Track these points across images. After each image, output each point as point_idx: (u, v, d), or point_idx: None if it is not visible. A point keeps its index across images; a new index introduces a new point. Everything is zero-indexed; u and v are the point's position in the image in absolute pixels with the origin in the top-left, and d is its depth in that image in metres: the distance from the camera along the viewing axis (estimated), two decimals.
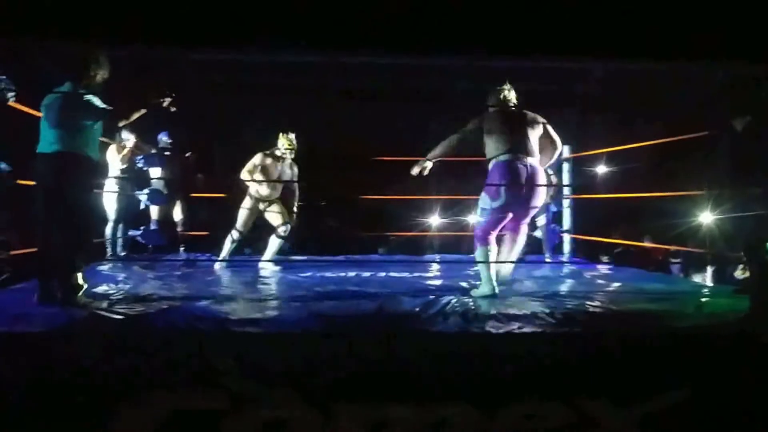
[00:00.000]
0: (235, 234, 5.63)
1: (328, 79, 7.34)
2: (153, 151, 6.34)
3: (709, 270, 5.83)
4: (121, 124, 3.85)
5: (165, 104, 3.61)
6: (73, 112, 3.44)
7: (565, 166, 6.36)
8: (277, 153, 5.63)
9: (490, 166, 3.98)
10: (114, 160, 6.06)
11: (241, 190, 5.72)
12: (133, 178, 6.21)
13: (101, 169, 5.41)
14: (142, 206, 6.16)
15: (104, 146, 5.56)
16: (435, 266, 5.90)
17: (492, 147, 3.96)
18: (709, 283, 5.45)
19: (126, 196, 6.08)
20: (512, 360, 2.72)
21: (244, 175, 5.58)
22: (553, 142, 4.15)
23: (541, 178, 3.99)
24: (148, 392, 2.57)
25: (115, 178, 6.06)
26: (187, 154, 6.86)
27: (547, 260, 6.31)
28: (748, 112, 3.33)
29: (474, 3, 6.85)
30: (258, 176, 5.55)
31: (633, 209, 7.20)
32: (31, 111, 3.86)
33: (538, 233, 6.46)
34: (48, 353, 2.65)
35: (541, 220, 6.35)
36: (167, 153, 6.59)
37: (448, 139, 4.12)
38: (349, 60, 6.79)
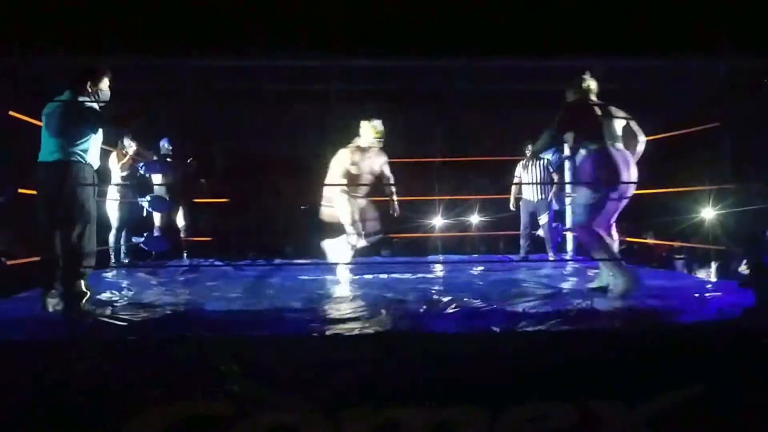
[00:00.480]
0: (353, 238, 5.05)
1: (327, 81, 7.34)
2: (154, 157, 6.36)
3: (713, 265, 5.80)
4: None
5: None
6: (73, 121, 3.46)
7: (567, 164, 6.35)
8: (362, 145, 5.11)
9: (582, 156, 3.81)
10: (115, 168, 6.08)
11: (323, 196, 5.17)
12: (135, 185, 6.23)
13: (103, 177, 5.42)
14: (144, 213, 6.18)
15: (106, 154, 5.57)
16: (438, 267, 5.90)
17: (584, 136, 3.80)
18: (713, 278, 5.42)
19: (128, 203, 6.10)
20: (515, 360, 2.71)
21: (335, 176, 5.01)
22: (635, 136, 3.91)
23: (634, 167, 3.79)
24: (155, 399, 2.57)
25: (117, 185, 6.08)
26: (189, 160, 6.87)
27: (551, 258, 6.30)
28: (749, 107, 3.33)
29: (474, 3, 6.85)
30: (352, 172, 5.02)
31: (635, 206, 7.19)
32: (31, 120, 3.87)
33: (540, 232, 6.45)
34: (52, 361, 2.65)
35: (544, 219, 6.34)
36: (169, 159, 6.61)
37: (548, 134, 3.92)
38: (348, 63, 6.79)
